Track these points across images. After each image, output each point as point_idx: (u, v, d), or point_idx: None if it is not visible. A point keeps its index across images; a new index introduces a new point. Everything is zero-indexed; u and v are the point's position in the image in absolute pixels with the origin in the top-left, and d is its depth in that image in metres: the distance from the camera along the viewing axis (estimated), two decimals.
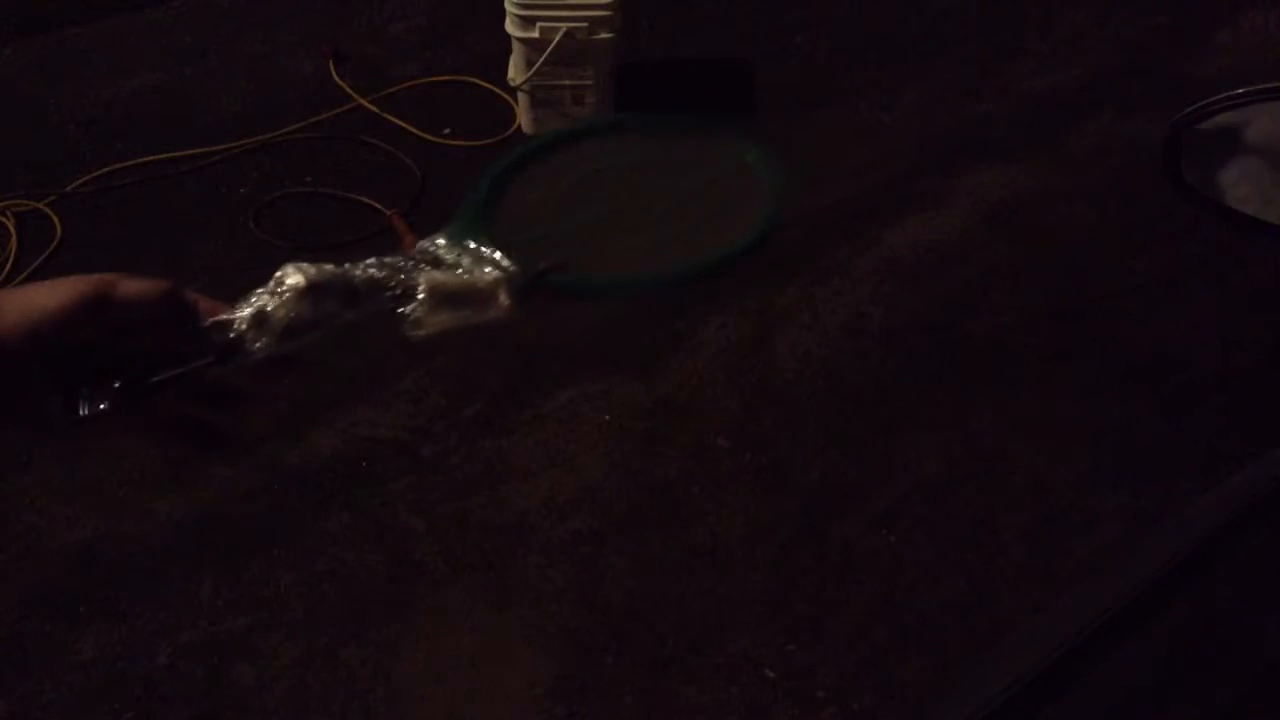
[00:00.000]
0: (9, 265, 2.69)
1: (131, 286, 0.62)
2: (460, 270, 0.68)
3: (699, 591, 2.06)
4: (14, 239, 2.76)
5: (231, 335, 0.62)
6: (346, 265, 0.65)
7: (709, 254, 0.74)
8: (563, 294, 0.71)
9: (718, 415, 2.39)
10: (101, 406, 0.60)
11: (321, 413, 2.36)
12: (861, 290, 2.70)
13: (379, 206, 2.86)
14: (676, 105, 3.28)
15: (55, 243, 2.76)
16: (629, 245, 0.73)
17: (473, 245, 0.68)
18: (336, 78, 3.30)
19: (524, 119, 3.14)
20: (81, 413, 0.60)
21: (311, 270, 0.64)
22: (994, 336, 2.59)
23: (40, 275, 2.68)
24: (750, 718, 1.89)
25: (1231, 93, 0.93)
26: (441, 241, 0.69)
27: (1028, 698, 0.89)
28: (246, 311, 0.63)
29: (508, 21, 2.96)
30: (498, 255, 0.68)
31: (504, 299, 0.67)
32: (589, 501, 2.21)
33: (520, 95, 3.10)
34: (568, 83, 3.02)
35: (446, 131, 3.14)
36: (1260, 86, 0.92)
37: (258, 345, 0.62)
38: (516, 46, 3.00)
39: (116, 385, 0.60)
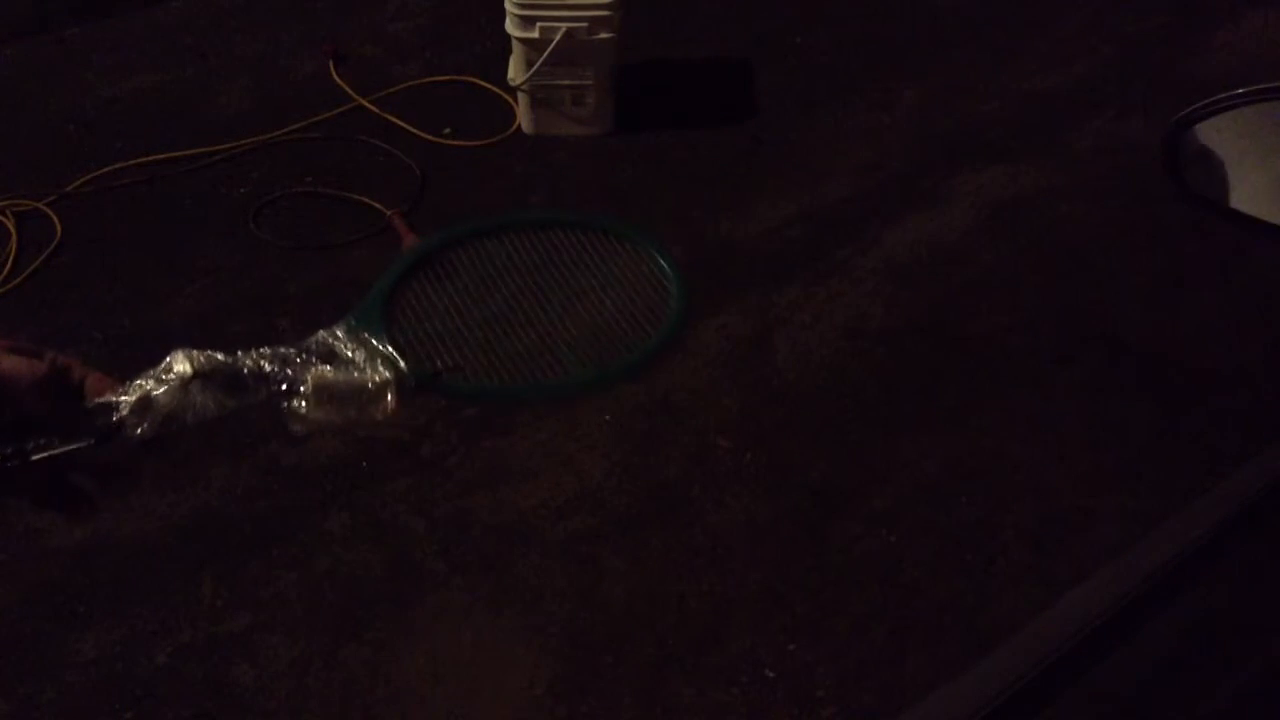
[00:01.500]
0: (9, 265, 2.69)
1: (12, 362, 0.60)
2: (352, 367, 0.68)
3: (699, 591, 2.06)
4: (14, 239, 2.76)
5: (114, 418, 0.62)
6: (239, 354, 0.66)
7: (607, 363, 0.72)
8: (455, 397, 0.71)
9: (718, 415, 2.39)
10: None
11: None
12: (861, 290, 2.70)
13: (379, 206, 2.86)
14: (676, 106, 3.28)
15: (55, 243, 2.76)
16: (526, 346, 0.72)
17: (371, 340, 0.68)
18: (336, 78, 3.30)
19: (524, 119, 3.14)
20: None
21: (200, 358, 0.64)
22: (994, 336, 2.59)
23: (40, 275, 2.68)
24: (750, 718, 1.89)
25: (1231, 93, 0.93)
26: (340, 333, 0.69)
27: (1028, 698, 0.89)
28: (131, 396, 0.63)
29: (508, 21, 2.96)
30: (392, 354, 0.68)
31: (390, 402, 0.67)
32: (589, 501, 2.21)
33: (520, 95, 3.10)
34: (568, 83, 3.02)
35: (446, 131, 3.14)
36: (1260, 86, 0.92)
37: (139, 430, 0.63)
38: (516, 46, 3.00)
39: None
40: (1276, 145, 0.97)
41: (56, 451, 0.61)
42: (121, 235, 2.82)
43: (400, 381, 0.68)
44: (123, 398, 0.62)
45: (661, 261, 0.78)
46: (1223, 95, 0.93)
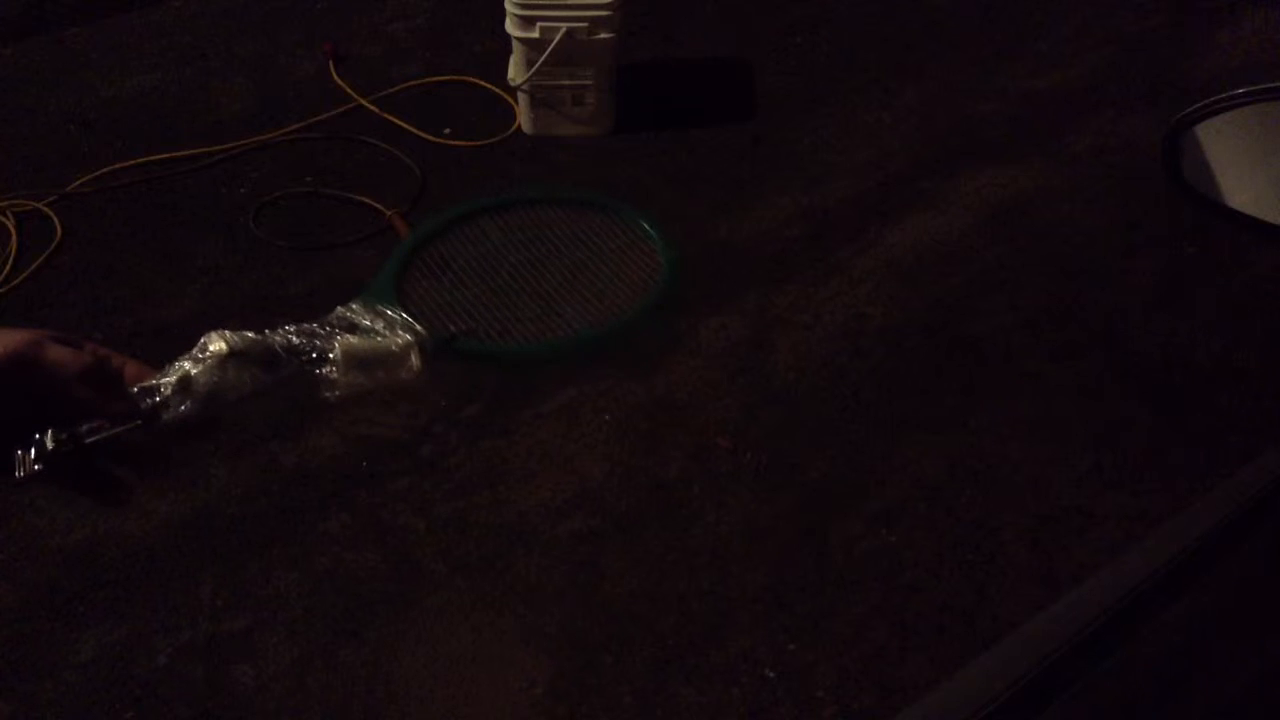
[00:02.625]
0: (9, 265, 2.69)
1: (59, 352, 0.62)
2: (374, 335, 0.71)
3: (699, 591, 2.06)
4: (14, 239, 2.76)
5: (157, 399, 0.64)
6: (266, 332, 0.68)
7: (609, 323, 0.77)
8: (471, 359, 0.73)
9: (718, 415, 2.39)
10: (36, 468, 0.61)
11: (321, 413, 2.36)
12: (861, 290, 2.70)
13: (379, 206, 2.86)
14: (676, 106, 3.28)
15: (55, 243, 2.76)
16: (532, 312, 0.76)
17: (387, 311, 0.72)
18: (336, 78, 3.30)
19: (524, 119, 3.14)
20: (18, 475, 0.61)
21: (233, 338, 0.66)
22: (994, 336, 2.59)
23: (40, 275, 2.68)
24: (750, 718, 1.89)
25: (1232, 93, 0.93)
26: (356, 307, 0.73)
27: (1028, 698, 0.89)
28: (171, 378, 0.65)
29: (508, 21, 2.96)
30: (410, 320, 0.72)
31: (415, 362, 0.71)
32: (589, 501, 2.21)
33: (520, 95, 3.10)
34: (568, 83, 3.02)
35: (446, 131, 3.14)
36: (1260, 86, 0.92)
37: (181, 409, 0.64)
38: (516, 46, 3.00)
39: (50, 448, 0.61)
40: (1276, 145, 0.97)
41: (109, 434, 0.62)
42: (121, 235, 2.82)
43: (421, 344, 0.71)
44: (163, 380, 0.64)
45: (650, 230, 0.82)
46: (1223, 95, 0.93)
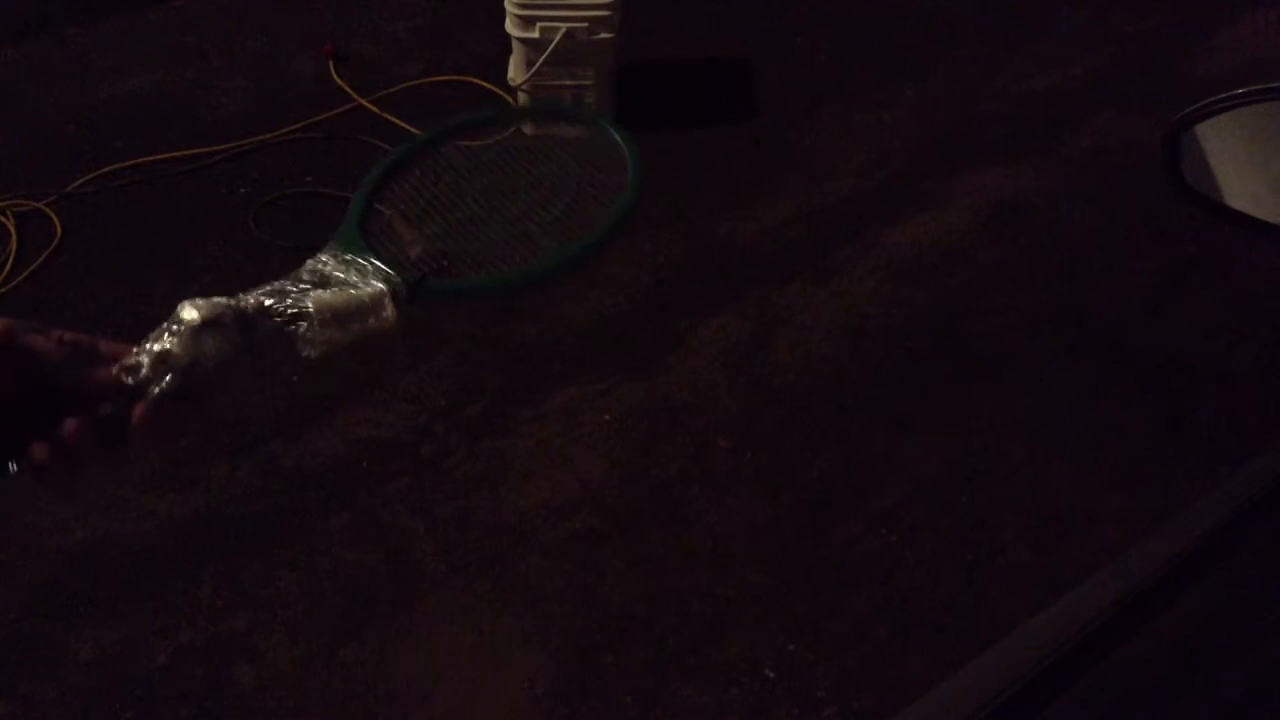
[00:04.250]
0: (9, 265, 2.69)
1: (34, 342, 0.62)
2: (346, 286, 0.70)
3: (699, 591, 2.06)
4: (14, 239, 2.76)
5: (140, 375, 0.64)
6: (239, 295, 0.68)
7: (582, 238, 0.76)
8: (446, 298, 0.73)
9: (718, 415, 2.39)
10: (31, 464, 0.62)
11: (321, 413, 2.36)
12: (861, 290, 2.70)
13: (379, 207, 2.85)
14: (676, 106, 3.28)
15: (55, 243, 2.76)
16: (501, 238, 0.75)
17: (357, 259, 0.71)
18: (336, 78, 3.30)
19: (527, 128, 3.13)
20: (11, 471, 0.63)
21: (204, 305, 0.66)
22: (994, 336, 2.59)
23: (40, 275, 2.68)
24: (750, 718, 1.89)
25: (1232, 93, 0.93)
26: (324, 258, 0.72)
27: (1028, 698, 0.89)
28: (148, 353, 0.64)
29: (508, 21, 2.96)
30: (380, 266, 0.71)
31: (389, 310, 0.70)
32: (589, 501, 2.21)
33: (520, 95, 3.10)
34: (568, 83, 3.02)
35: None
36: (1260, 86, 0.92)
37: (165, 382, 0.64)
38: (516, 46, 3.00)
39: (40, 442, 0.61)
40: (1276, 145, 0.97)
41: (98, 415, 0.62)
42: (121, 235, 2.82)
43: (394, 291, 0.70)
44: (141, 356, 0.64)
45: (613, 133, 0.81)
46: (1223, 95, 0.93)
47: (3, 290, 2.63)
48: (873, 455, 2.32)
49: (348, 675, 1.92)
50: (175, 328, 0.65)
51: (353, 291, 0.71)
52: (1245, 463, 1.13)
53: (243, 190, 2.95)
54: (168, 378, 0.64)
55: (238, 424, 2.33)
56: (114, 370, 0.64)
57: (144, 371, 0.64)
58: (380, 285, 0.71)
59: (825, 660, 1.96)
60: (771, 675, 1.94)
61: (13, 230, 2.78)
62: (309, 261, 0.72)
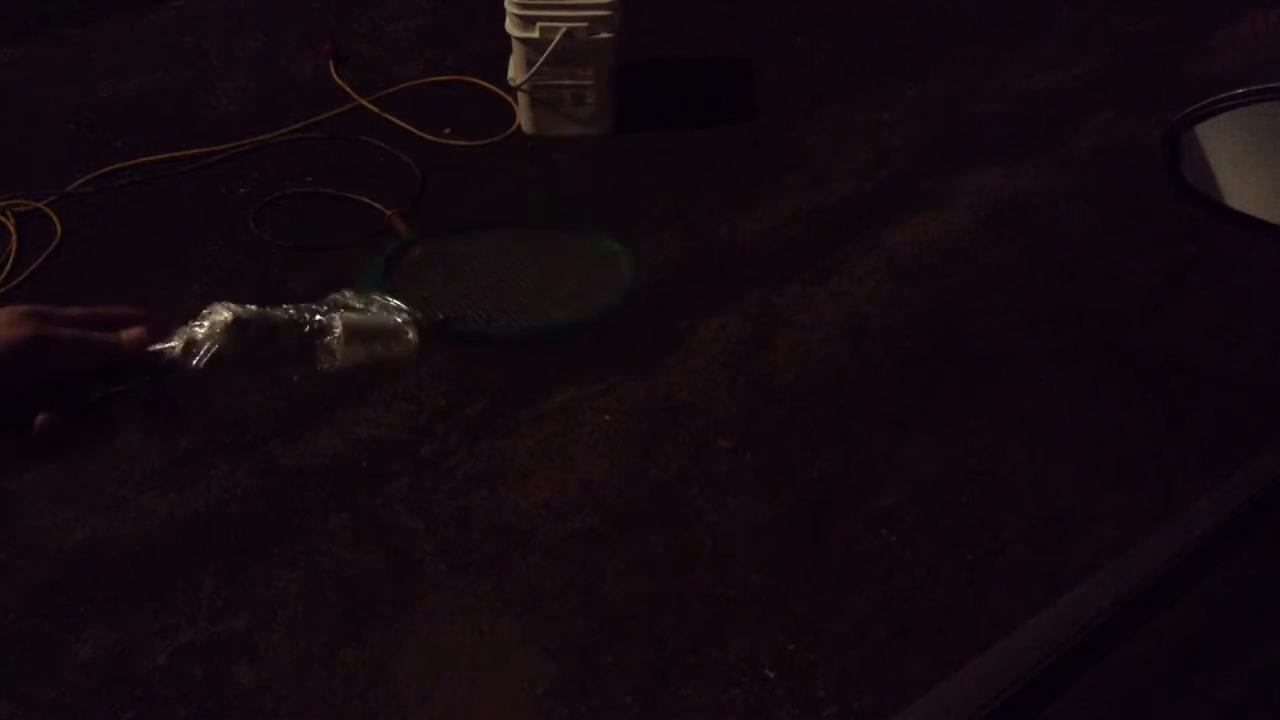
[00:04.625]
0: (9, 265, 2.69)
1: (61, 334, 0.66)
2: (370, 313, 0.76)
3: (699, 591, 2.06)
4: (14, 239, 2.76)
5: (164, 362, 0.68)
6: (269, 307, 0.72)
7: (584, 313, 0.85)
8: (461, 340, 0.80)
9: (718, 415, 2.39)
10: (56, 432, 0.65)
11: (321, 413, 2.36)
12: (861, 290, 2.70)
13: (379, 206, 2.86)
14: (676, 106, 3.28)
15: (55, 243, 2.76)
16: (513, 306, 0.84)
17: (379, 297, 0.77)
18: (336, 78, 3.30)
19: (524, 119, 3.14)
20: (39, 439, 0.65)
21: (237, 308, 0.70)
22: (994, 336, 2.59)
23: (40, 275, 2.68)
24: (750, 718, 1.89)
25: (1232, 93, 0.93)
26: (349, 292, 0.77)
27: (1028, 698, 0.89)
28: (177, 342, 0.69)
29: (508, 21, 2.96)
30: (401, 305, 0.77)
31: (412, 336, 0.75)
32: (589, 501, 2.21)
33: (520, 95, 3.10)
34: (568, 83, 3.02)
35: (446, 131, 3.14)
36: (1260, 86, 0.92)
37: (190, 366, 0.68)
38: (516, 46, 3.00)
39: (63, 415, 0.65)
40: (1276, 145, 0.97)
41: (117, 389, 0.67)
42: (121, 235, 2.82)
43: (417, 322, 0.76)
44: (170, 344, 0.68)
45: (612, 243, 0.92)
46: (1223, 95, 0.93)
47: (3, 290, 2.63)
48: (873, 455, 2.32)
49: (348, 675, 1.92)
50: (206, 323, 0.69)
51: (377, 316, 0.75)
52: (1245, 463, 1.13)
53: (243, 190, 2.95)
54: (189, 366, 0.68)
55: (238, 424, 2.33)
56: (140, 353, 0.68)
57: (169, 357, 0.68)
58: (406, 315, 0.76)
59: (825, 660, 1.96)
60: (771, 675, 1.94)
61: (13, 230, 2.78)
62: (333, 295, 0.77)
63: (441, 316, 0.78)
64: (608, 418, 2.37)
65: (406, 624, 2.00)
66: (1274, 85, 0.91)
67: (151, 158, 3.02)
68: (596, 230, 0.94)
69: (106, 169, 2.98)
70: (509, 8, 2.92)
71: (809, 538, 2.16)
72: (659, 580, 2.08)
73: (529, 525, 2.16)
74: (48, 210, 2.85)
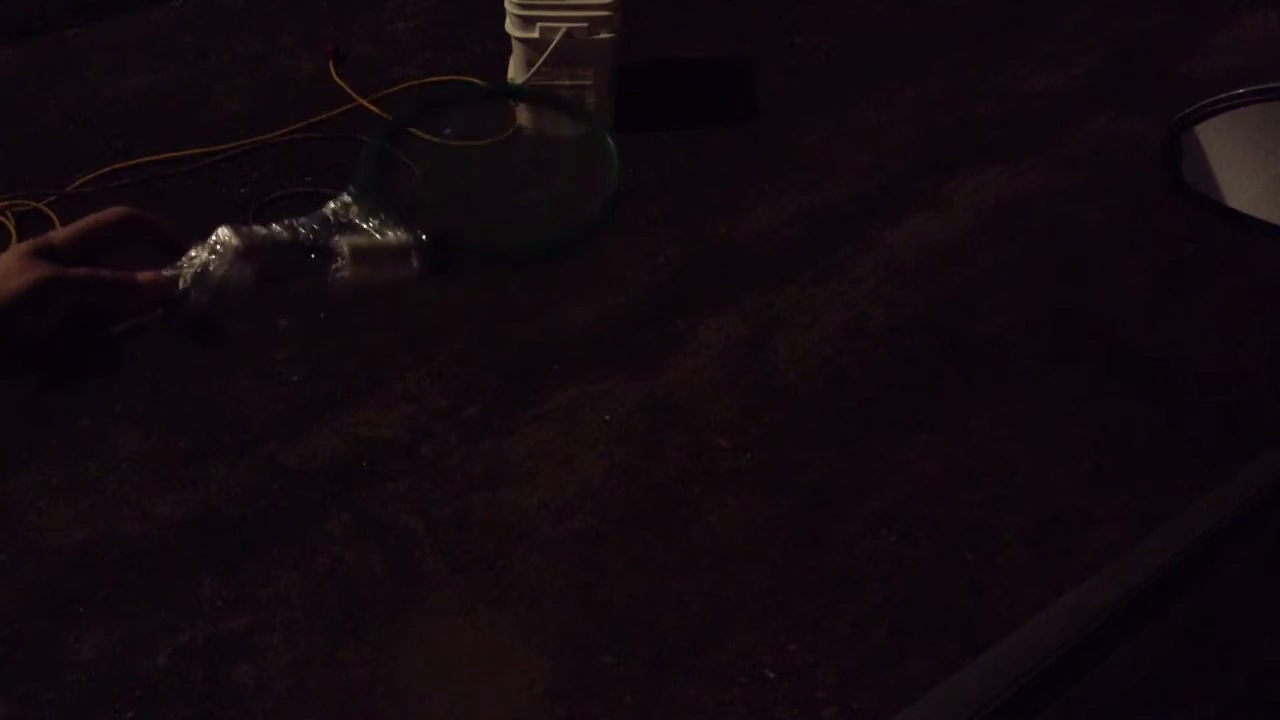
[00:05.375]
0: None
1: (77, 271, 0.67)
2: (374, 233, 0.75)
3: (699, 591, 2.06)
4: (14, 239, 2.76)
5: (177, 290, 0.69)
6: (274, 226, 0.72)
7: (574, 223, 0.82)
8: (459, 259, 0.78)
9: (718, 415, 2.39)
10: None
11: (321, 413, 2.36)
12: (861, 290, 2.70)
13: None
14: (676, 106, 3.28)
15: None
16: (503, 213, 0.83)
17: (380, 211, 0.76)
18: (336, 78, 3.30)
19: (524, 119, 3.14)
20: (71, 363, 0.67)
21: (245, 231, 0.70)
22: (994, 336, 2.59)
23: None
24: (750, 718, 1.89)
25: (1231, 93, 0.93)
26: (347, 199, 0.77)
27: (1028, 698, 0.89)
28: (189, 269, 0.69)
29: (508, 21, 2.96)
30: (399, 227, 0.76)
31: (415, 261, 0.75)
32: (589, 501, 2.21)
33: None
34: (568, 83, 3.02)
35: (447, 131, 3.14)
36: (1260, 86, 0.92)
37: (197, 298, 0.69)
38: (516, 46, 3.00)
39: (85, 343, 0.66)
40: (1276, 145, 0.97)
41: (135, 323, 0.68)
42: None
43: (418, 244, 0.75)
44: (183, 271, 0.69)
45: (608, 142, 0.87)
46: (1223, 95, 0.93)
47: None
48: (873, 455, 2.32)
49: (348, 675, 1.93)
50: (215, 248, 0.69)
51: (381, 238, 0.75)
52: (1245, 463, 1.13)
53: (243, 190, 2.95)
54: (201, 294, 0.68)
55: (238, 424, 2.34)
56: (159, 276, 0.69)
57: (183, 284, 0.68)
58: (407, 237, 0.75)
59: (825, 660, 1.96)
60: (771, 675, 1.94)
61: (13, 230, 2.78)
62: (331, 203, 0.76)
63: (437, 235, 0.77)
64: (608, 418, 2.37)
65: (406, 624, 2.00)
66: (1274, 85, 0.91)
67: (151, 158, 3.02)
68: (583, 114, 0.91)
69: (106, 169, 2.98)
70: (509, 8, 2.92)
71: (809, 538, 2.16)
72: (659, 580, 2.08)
73: (529, 525, 2.16)
74: (48, 210, 2.85)
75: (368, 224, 0.75)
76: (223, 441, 2.30)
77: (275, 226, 0.72)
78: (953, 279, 2.75)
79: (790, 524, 2.18)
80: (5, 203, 2.85)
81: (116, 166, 2.98)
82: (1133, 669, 0.97)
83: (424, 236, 0.75)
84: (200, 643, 1.97)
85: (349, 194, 0.77)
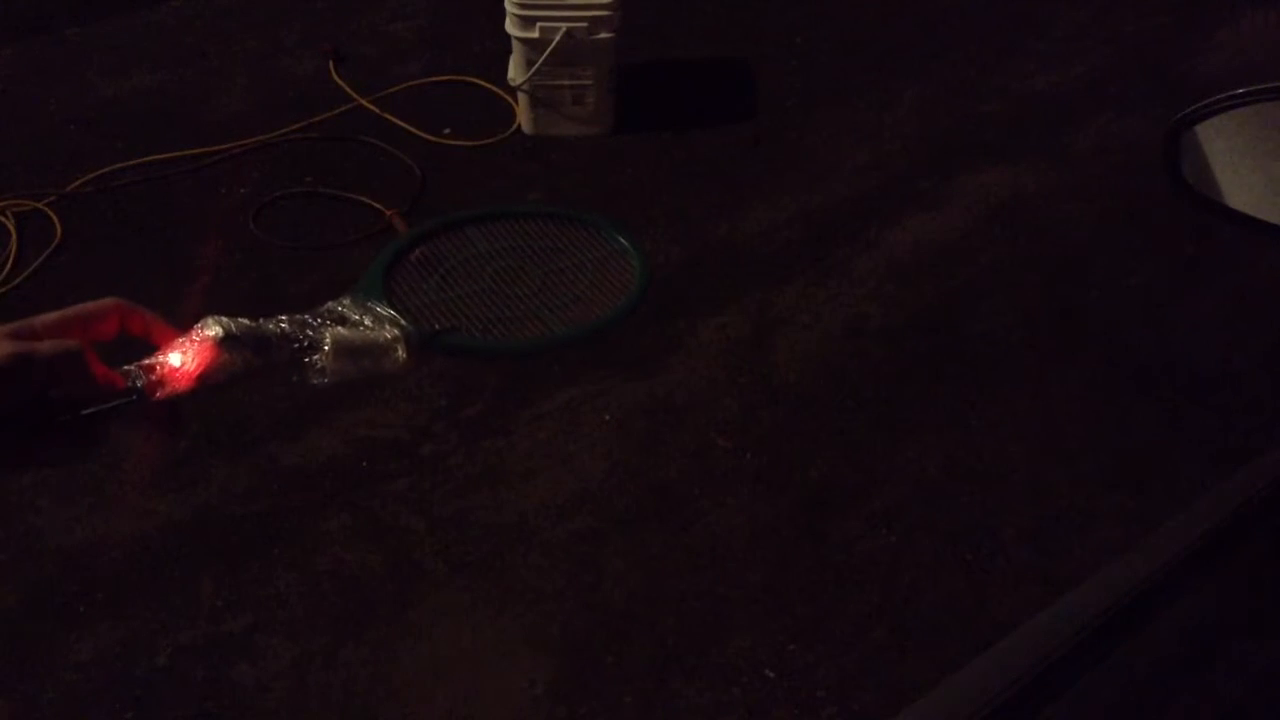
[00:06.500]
0: (9, 265, 2.69)
1: (47, 346, 0.64)
2: (362, 328, 0.76)
3: (699, 591, 2.06)
4: (14, 239, 2.76)
5: (152, 377, 0.68)
6: (261, 320, 0.72)
7: (586, 323, 0.84)
8: (453, 353, 0.80)
9: (718, 415, 2.39)
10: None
11: (321, 413, 2.36)
12: (861, 290, 2.70)
13: (379, 206, 2.86)
14: (676, 106, 3.28)
15: (55, 243, 2.76)
16: (512, 313, 0.82)
17: (376, 307, 0.77)
18: (336, 78, 3.30)
19: (524, 119, 3.14)
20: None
21: (229, 322, 0.70)
22: (994, 336, 2.59)
23: (40, 275, 2.68)
24: (750, 718, 1.89)
25: (1232, 93, 0.93)
26: (346, 301, 0.77)
27: (1028, 698, 0.89)
28: (166, 357, 0.69)
29: (508, 21, 2.96)
30: (396, 316, 0.77)
31: (402, 354, 0.75)
32: (589, 501, 2.21)
33: (520, 95, 3.10)
34: (568, 83, 3.02)
35: (446, 131, 3.14)
36: (1260, 86, 0.92)
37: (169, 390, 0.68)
38: (516, 46, 3.00)
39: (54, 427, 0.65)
40: (1276, 145, 0.97)
41: (105, 406, 0.66)
42: (121, 235, 2.82)
43: (407, 337, 0.76)
44: (159, 359, 0.68)
45: (624, 242, 0.88)
46: (1223, 95, 0.93)
47: (3, 290, 2.63)
48: (873, 455, 2.32)
49: (348, 675, 1.92)
50: (197, 337, 0.69)
51: (368, 332, 0.75)
52: (1245, 463, 1.13)
53: (242, 190, 2.95)
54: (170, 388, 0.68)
55: (238, 424, 2.33)
56: (125, 370, 0.67)
57: (160, 373, 0.68)
58: (396, 332, 0.76)
59: (825, 660, 1.96)
60: (771, 675, 1.94)
61: (13, 230, 2.78)
62: (330, 302, 0.77)
63: (437, 328, 0.78)
64: (608, 418, 2.37)
65: (406, 624, 2.00)
66: (1274, 85, 0.91)
67: (151, 158, 3.02)
68: (607, 226, 0.92)
69: (106, 169, 2.98)
70: (509, 8, 2.92)
71: (809, 538, 2.16)
72: (659, 580, 2.08)
73: (529, 525, 2.16)
74: (48, 210, 2.85)
75: (360, 318, 0.76)
76: (223, 441, 2.29)
77: (261, 320, 0.72)
78: (953, 279, 2.75)
79: (790, 524, 2.18)
80: (5, 203, 2.85)
81: (116, 166, 2.98)
82: (1133, 669, 0.97)
83: (412, 330, 0.76)
84: (200, 643, 1.97)
85: (352, 294, 0.78)
